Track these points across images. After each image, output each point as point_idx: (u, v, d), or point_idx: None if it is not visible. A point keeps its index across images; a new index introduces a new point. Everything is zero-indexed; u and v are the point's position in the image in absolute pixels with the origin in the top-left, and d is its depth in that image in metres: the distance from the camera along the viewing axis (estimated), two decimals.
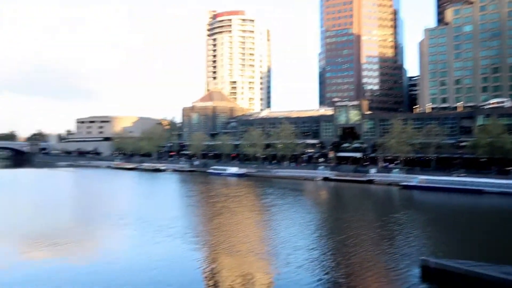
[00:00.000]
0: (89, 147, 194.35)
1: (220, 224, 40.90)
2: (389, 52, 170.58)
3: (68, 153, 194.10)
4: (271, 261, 27.36)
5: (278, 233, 36.24)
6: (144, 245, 31.53)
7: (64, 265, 26.20)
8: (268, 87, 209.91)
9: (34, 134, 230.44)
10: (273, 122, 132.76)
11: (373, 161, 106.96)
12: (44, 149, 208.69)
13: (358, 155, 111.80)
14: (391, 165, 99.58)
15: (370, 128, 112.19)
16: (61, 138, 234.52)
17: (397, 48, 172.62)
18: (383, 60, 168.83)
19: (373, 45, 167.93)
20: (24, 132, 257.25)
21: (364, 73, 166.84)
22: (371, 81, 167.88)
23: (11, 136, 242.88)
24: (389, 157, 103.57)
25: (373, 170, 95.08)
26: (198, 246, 31.20)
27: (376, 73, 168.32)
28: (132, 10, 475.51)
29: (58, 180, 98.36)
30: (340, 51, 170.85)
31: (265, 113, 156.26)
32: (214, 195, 67.75)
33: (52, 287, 21.86)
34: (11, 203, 55.07)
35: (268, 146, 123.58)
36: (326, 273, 24.78)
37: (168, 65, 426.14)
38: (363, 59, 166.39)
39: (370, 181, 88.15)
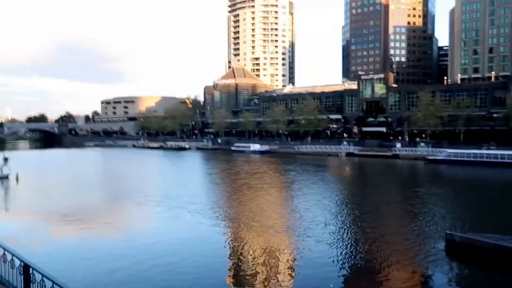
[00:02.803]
0: (115, 127, 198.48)
1: (241, 201, 40.83)
2: (419, 22, 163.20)
3: (95, 133, 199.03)
4: (290, 235, 27.02)
5: (298, 208, 35.81)
6: (166, 220, 31.83)
7: (91, 240, 26.74)
8: (291, 62, 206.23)
9: (63, 116, 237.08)
10: (296, 98, 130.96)
11: (399, 136, 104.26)
12: (72, 130, 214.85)
13: (383, 129, 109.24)
14: (418, 139, 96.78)
15: (396, 102, 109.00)
16: (88, 119, 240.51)
17: (427, 17, 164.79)
18: (411, 30, 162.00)
19: (401, 15, 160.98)
20: (53, 114, 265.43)
21: (391, 44, 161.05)
22: (398, 53, 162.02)
23: (41, 119, 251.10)
24: (415, 131, 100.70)
25: (398, 145, 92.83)
26: (218, 222, 31.21)
27: (404, 44, 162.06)
28: None
29: (86, 160, 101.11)
30: (366, 22, 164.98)
31: (288, 89, 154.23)
32: (235, 172, 67.82)
33: (79, 260, 22.27)
34: (42, 183, 56.87)
35: (291, 122, 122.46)
36: (346, 247, 24.26)
37: (190, 44, 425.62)
38: (391, 30, 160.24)
39: (396, 156, 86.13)
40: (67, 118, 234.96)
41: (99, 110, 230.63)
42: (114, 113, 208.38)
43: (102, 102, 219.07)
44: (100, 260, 22.25)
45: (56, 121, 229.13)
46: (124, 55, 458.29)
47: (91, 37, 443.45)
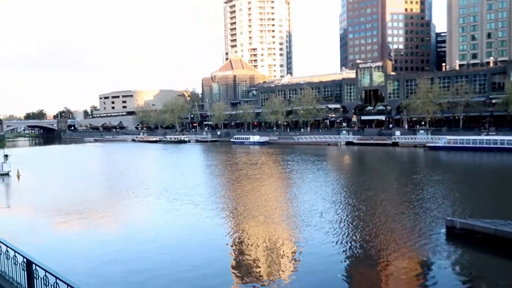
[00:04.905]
0: (114, 122, 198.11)
1: (240, 191, 40.93)
2: (416, 8, 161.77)
3: (95, 128, 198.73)
4: (290, 225, 27.13)
5: (297, 198, 35.90)
6: (165, 212, 31.92)
7: (92, 234, 26.85)
8: (289, 52, 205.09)
9: (61, 112, 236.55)
10: (295, 88, 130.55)
11: (398, 123, 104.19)
12: (71, 125, 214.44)
13: (382, 117, 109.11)
14: (417, 127, 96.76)
15: (395, 89, 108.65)
16: (87, 114, 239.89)
17: (425, 3, 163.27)
18: (409, 17, 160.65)
19: (398, 1, 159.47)
20: (51, 109, 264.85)
21: (389, 31, 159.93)
22: (396, 40, 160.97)
23: (40, 115, 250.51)
24: (414, 119, 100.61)
25: (398, 133, 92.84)
26: (217, 213, 31.30)
27: (402, 31, 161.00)
28: None
29: (86, 156, 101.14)
30: (363, 9, 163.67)
31: (286, 80, 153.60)
32: (235, 163, 67.89)
33: (81, 255, 22.40)
34: (43, 180, 56.97)
35: (289, 113, 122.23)
36: (347, 235, 24.35)
37: (187, 36, 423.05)
38: (388, 17, 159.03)
39: (395, 144, 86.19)
40: (65, 114, 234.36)
41: (97, 105, 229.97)
42: (113, 107, 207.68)
43: (100, 97, 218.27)
44: (101, 253, 22.39)
45: (55, 117, 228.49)
46: (121, 49, 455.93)
47: (85, 31, 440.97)
